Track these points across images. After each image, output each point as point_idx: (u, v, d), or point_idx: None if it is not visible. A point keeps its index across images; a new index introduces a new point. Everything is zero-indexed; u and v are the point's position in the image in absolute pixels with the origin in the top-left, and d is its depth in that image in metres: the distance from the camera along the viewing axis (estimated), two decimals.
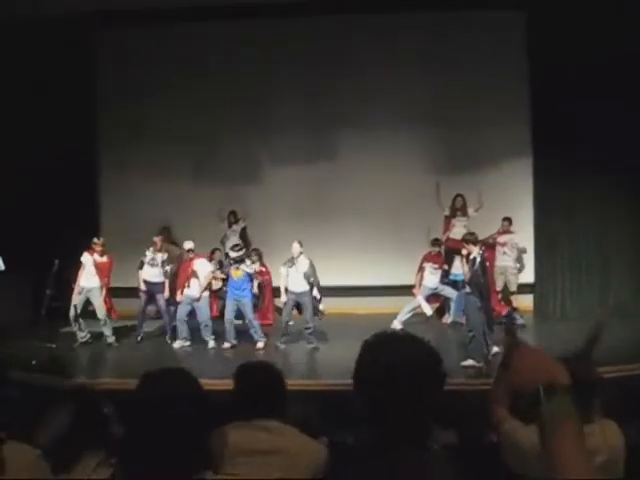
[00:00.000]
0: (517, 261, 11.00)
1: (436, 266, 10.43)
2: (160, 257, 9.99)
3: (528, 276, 11.35)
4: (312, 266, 9.51)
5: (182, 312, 9.69)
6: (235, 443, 2.76)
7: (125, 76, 11.85)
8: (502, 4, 11.09)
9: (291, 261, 9.49)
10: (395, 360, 1.67)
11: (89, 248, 9.76)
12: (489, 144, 11.42)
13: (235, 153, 11.85)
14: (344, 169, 11.73)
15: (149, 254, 9.96)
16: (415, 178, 11.56)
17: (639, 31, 9.95)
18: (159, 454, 1.77)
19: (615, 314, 10.71)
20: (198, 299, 9.64)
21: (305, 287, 9.42)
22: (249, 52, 11.50)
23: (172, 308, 10.05)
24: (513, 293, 10.93)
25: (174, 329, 9.90)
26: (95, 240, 9.81)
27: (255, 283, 10.06)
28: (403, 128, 11.47)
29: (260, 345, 9.53)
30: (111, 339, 9.77)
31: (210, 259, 10.61)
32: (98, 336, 9.86)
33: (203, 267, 9.75)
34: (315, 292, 9.59)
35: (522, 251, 11.09)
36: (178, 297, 9.78)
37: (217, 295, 10.49)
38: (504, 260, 10.89)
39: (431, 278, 10.39)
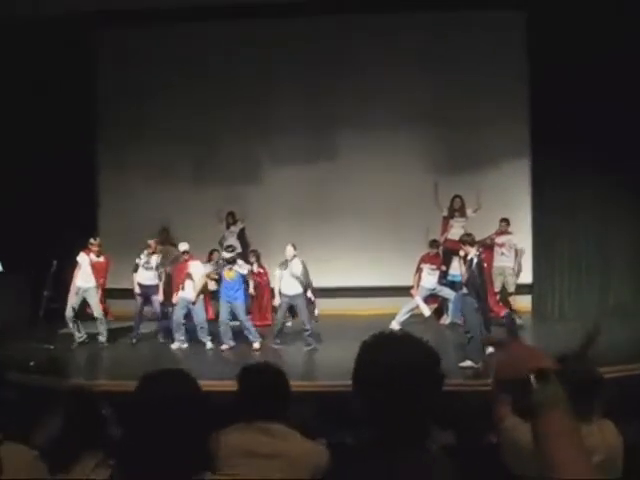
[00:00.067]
0: (515, 262, 10.99)
1: (434, 267, 10.43)
2: (154, 260, 9.98)
3: (526, 277, 11.34)
4: (305, 269, 9.53)
5: (178, 315, 9.68)
6: (236, 445, 2.75)
7: (125, 76, 11.85)
8: (502, 4, 11.09)
9: (285, 264, 9.50)
10: (394, 361, 1.67)
11: (85, 248, 9.76)
12: (488, 144, 11.43)
13: (235, 153, 11.85)
14: (344, 169, 11.72)
15: (143, 257, 9.96)
16: (414, 178, 11.56)
17: (639, 31, 9.95)
18: (157, 455, 1.76)
19: (615, 314, 10.72)
20: (194, 302, 9.63)
21: (298, 290, 9.43)
22: (249, 52, 11.51)
23: (170, 309, 10.03)
24: (511, 294, 10.93)
25: (167, 330, 9.93)
26: (91, 240, 9.81)
27: (252, 284, 10.03)
28: (403, 128, 11.48)
29: (256, 346, 9.52)
30: (103, 338, 9.76)
31: (208, 260, 10.60)
32: (95, 337, 9.85)
33: (198, 269, 9.73)
34: (309, 294, 9.60)
35: (520, 252, 11.07)
36: (174, 299, 9.78)
37: (212, 297, 10.47)
38: (502, 261, 10.89)
39: (429, 279, 10.38)
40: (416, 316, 10.35)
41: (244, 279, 9.81)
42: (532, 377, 1.39)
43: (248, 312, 11.07)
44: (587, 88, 10.52)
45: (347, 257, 11.48)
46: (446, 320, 10.70)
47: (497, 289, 10.81)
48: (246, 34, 11.45)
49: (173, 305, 9.83)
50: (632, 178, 10.69)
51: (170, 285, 10.07)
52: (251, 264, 10.66)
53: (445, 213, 11.15)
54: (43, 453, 2.70)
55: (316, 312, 9.74)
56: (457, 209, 11.06)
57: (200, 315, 9.70)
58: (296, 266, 9.45)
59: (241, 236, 11.71)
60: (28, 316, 10.18)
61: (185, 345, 9.68)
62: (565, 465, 1.32)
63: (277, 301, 9.68)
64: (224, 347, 9.57)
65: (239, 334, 9.85)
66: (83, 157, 11.82)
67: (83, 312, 9.95)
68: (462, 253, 8.88)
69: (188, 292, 9.67)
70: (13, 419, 3.16)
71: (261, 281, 10.67)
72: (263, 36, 11.43)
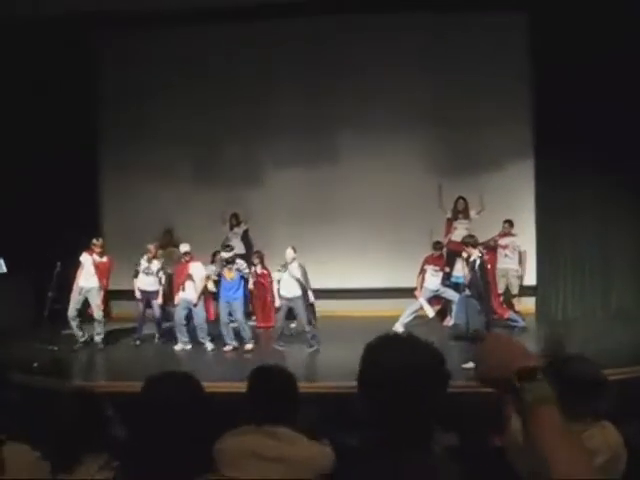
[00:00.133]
0: (519, 264, 10.98)
1: (437, 268, 10.42)
2: (155, 265, 9.99)
3: (530, 278, 11.33)
4: (304, 272, 9.54)
5: (180, 316, 9.69)
6: (242, 448, 2.76)
7: (126, 77, 11.87)
8: (503, 6, 11.07)
9: (284, 266, 9.52)
10: (398, 362, 1.67)
11: (88, 248, 9.78)
12: (491, 146, 11.41)
13: (236, 155, 11.85)
14: (345, 171, 11.72)
15: (143, 262, 9.96)
16: (416, 180, 11.55)
17: None
18: (161, 457, 1.76)
19: (617, 316, 10.71)
20: (195, 304, 9.64)
21: (297, 292, 9.43)
22: (250, 54, 11.50)
23: (172, 309, 10.04)
24: (515, 296, 10.93)
25: (166, 332, 9.96)
26: (94, 241, 9.82)
27: (251, 281, 10.00)
28: (404, 129, 11.47)
29: (249, 347, 9.53)
30: (99, 339, 9.75)
31: (212, 262, 10.61)
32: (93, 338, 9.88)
33: (199, 270, 9.74)
34: (310, 296, 9.61)
35: (523, 254, 11.06)
36: (175, 300, 9.79)
37: (213, 298, 10.47)
38: (506, 263, 10.90)
39: (432, 280, 10.37)
40: (419, 318, 10.34)
41: (244, 279, 9.80)
42: (517, 376, 1.38)
43: (251, 313, 11.13)
44: (589, 88, 10.50)
45: (349, 259, 11.47)
46: (449, 322, 10.69)
47: (501, 291, 10.83)
48: (246, 35, 11.45)
49: (174, 306, 9.83)
50: (636, 180, 10.66)
51: (172, 286, 10.09)
52: (255, 265, 10.67)
53: (449, 215, 11.14)
54: (47, 454, 2.70)
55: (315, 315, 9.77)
56: (461, 211, 11.05)
57: (200, 316, 9.71)
58: (295, 269, 9.47)
59: (245, 238, 11.72)
60: (32, 317, 10.21)
61: (189, 346, 9.68)
62: (559, 462, 1.31)
63: (278, 303, 9.71)
64: (227, 348, 9.57)
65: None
66: (85, 158, 11.84)
67: (84, 313, 9.97)
68: (465, 255, 8.89)
69: (189, 293, 9.67)
70: (16, 420, 3.17)
71: (265, 282, 10.67)
72: (264, 37, 11.43)
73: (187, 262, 9.77)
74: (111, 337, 10.14)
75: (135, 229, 11.24)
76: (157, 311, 10.06)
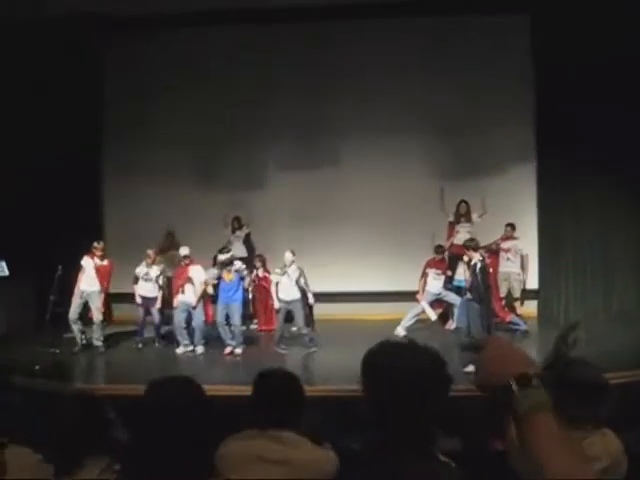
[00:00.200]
0: (521, 267, 10.97)
1: (439, 272, 10.42)
2: (154, 271, 9.99)
3: (532, 281, 11.32)
4: (303, 276, 9.55)
5: (179, 319, 9.68)
6: (247, 452, 2.76)
7: (127, 79, 11.89)
8: (505, 8, 11.07)
9: (282, 269, 9.51)
10: (400, 366, 1.67)
11: (89, 252, 9.79)
12: (493, 149, 11.42)
13: (238, 158, 11.85)
14: (347, 174, 11.73)
15: (143, 268, 9.97)
16: (418, 183, 11.55)
17: None
18: (163, 460, 1.76)
19: (619, 319, 10.70)
20: (194, 307, 9.64)
21: (295, 296, 9.45)
22: (251, 56, 11.52)
23: (171, 313, 10.04)
24: (517, 299, 10.92)
25: (165, 335, 9.98)
26: (95, 244, 9.82)
27: (247, 280, 10.01)
28: (406, 133, 11.47)
29: (239, 351, 9.51)
30: (99, 343, 9.75)
31: (214, 265, 10.61)
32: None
33: (198, 274, 9.73)
34: (310, 298, 9.60)
35: (526, 258, 11.04)
36: (174, 302, 9.78)
37: (212, 301, 10.46)
38: (508, 266, 10.89)
39: (434, 283, 10.37)
40: (421, 321, 10.34)
41: (242, 279, 9.80)
42: (513, 382, 1.38)
43: (252, 316, 11.13)
44: (591, 91, 10.51)
45: (351, 262, 11.47)
46: (451, 325, 10.67)
47: (503, 294, 10.82)
48: (248, 38, 11.48)
49: (173, 308, 9.84)
50: (638, 182, 10.67)
51: (171, 289, 10.10)
52: (256, 269, 10.67)
53: (451, 218, 11.14)
54: (49, 457, 2.70)
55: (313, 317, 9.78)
56: (463, 214, 11.05)
57: (199, 318, 9.71)
58: (293, 272, 9.48)
59: (247, 241, 11.73)
60: (33, 320, 10.21)
61: (190, 347, 9.68)
62: (555, 469, 1.31)
63: (277, 305, 9.73)
64: (227, 350, 9.56)
65: (246, 339, 9.89)
66: (87, 160, 11.83)
67: (85, 316, 9.98)
68: (466, 258, 8.89)
69: (189, 296, 9.67)
70: (18, 423, 3.17)
71: (266, 286, 10.67)
72: (265, 40, 11.45)
73: (187, 265, 9.76)
74: (112, 340, 10.15)
75: (137, 232, 11.25)
76: (156, 317, 10.05)
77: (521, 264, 10.97)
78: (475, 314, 8.41)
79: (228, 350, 9.55)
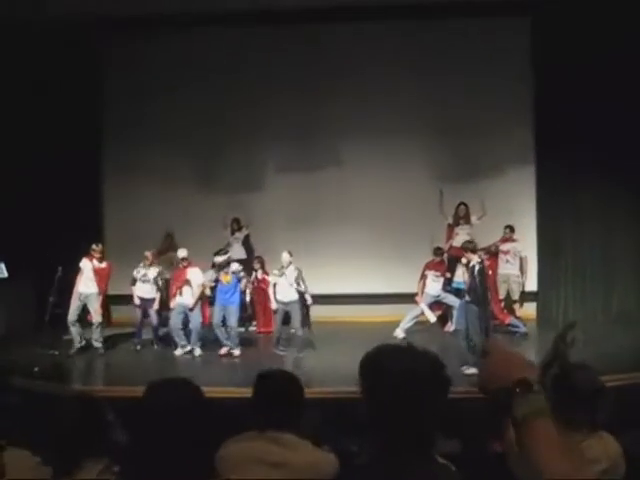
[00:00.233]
0: (520, 270, 10.97)
1: (438, 274, 10.42)
2: (152, 273, 9.98)
3: (531, 284, 11.32)
4: (301, 276, 9.54)
5: (176, 321, 9.67)
6: (246, 453, 2.76)
7: (127, 80, 11.87)
8: (505, 10, 11.08)
9: (280, 270, 9.51)
10: (398, 368, 1.67)
11: (88, 254, 9.79)
12: (492, 151, 11.42)
13: (239, 160, 11.84)
14: (346, 176, 11.72)
15: (141, 270, 9.97)
16: (418, 185, 11.55)
17: None
18: (162, 462, 1.76)
19: (618, 322, 10.70)
20: (192, 308, 9.63)
21: (293, 297, 9.45)
22: (250, 57, 11.52)
23: (169, 315, 10.04)
24: (516, 301, 10.92)
25: (163, 337, 9.96)
26: (94, 246, 9.82)
27: (244, 281, 10.01)
28: (405, 135, 11.47)
29: (236, 353, 9.51)
30: (98, 344, 9.75)
31: (212, 267, 10.60)
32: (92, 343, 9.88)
33: (196, 276, 9.72)
34: (308, 298, 9.60)
35: (525, 260, 11.04)
36: (171, 304, 9.77)
37: (209, 303, 10.45)
38: (507, 268, 10.89)
39: (433, 285, 10.36)
40: (420, 323, 10.34)
41: (239, 281, 9.78)
42: (514, 387, 1.38)
43: (251, 318, 11.13)
44: (592, 92, 10.53)
45: (350, 264, 11.46)
46: (450, 327, 10.67)
47: (502, 296, 10.82)
48: (248, 39, 11.48)
49: (170, 310, 9.82)
50: (637, 184, 10.69)
51: (169, 291, 10.10)
52: (255, 271, 10.68)
53: (450, 221, 11.14)
54: (48, 459, 2.70)
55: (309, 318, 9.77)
56: (462, 216, 11.05)
57: (196, 320, 9.70)
58: (291, 273, 9.47)
59: (246, 243, 11.72)
60: (33, 322, 10.21)
61: (188, 348, 9.67)
62: (554, 474, 1.31)
63: (274, 306, 9.74)
64: (223, 351, 9.56)
65: (245, 341, 9.87)
66: (86, 161, 11.79)
67: (84, 319, 9.98)
68: (464, 260, 8.89)
69: (186, 298, 9.66)
70: (17, 424, 3.17)
71: (265, 288, 10.65)
72: (265, 41, 11.46)
73: (184, 267, 9.76)
74: (111, 342, 10.14)
75: (136, 233, 11.23)
76: (154, 318, 10.04)
77: (520, 266, 10.97)
78: (474, 316, 8.40)
79: (224, 350, 9.54)
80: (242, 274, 9.75)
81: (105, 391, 7.45)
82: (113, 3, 10.33)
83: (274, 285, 9.66)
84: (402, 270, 11.08)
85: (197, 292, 9.67)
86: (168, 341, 9.97)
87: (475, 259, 8.61)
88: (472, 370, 8.14)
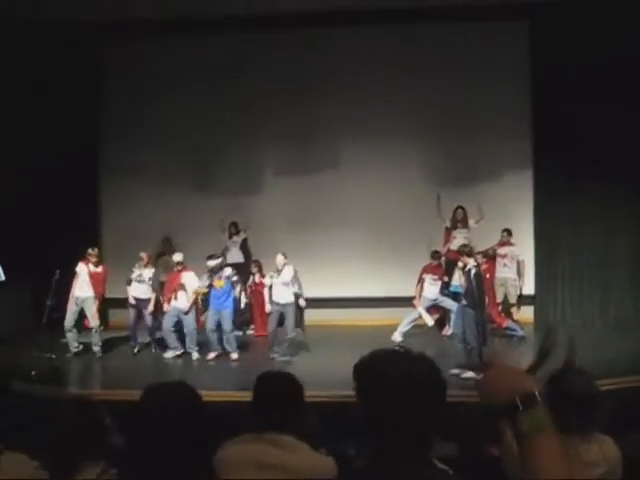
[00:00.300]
0: (518, 273, 10.99)
1: (436, 277, 10.41)
2: (147, 273, 9.98)
3: (528, 287, 11.33)
4: (296, 276, 9.53)
5: (168, 323, 9.66)
6: (244, 456, 2.75)
7: (125, 83, 11.87)
8: (504, 15, 11.10)
9: (276, 272, 9.51)
10: (394, 372, 1.67)
11: (84, 258, 9.78)
12: (490, 155, 11.42)
13: (237, 163, 11.84)
14: (344, 179, 11.73)
15: (136, 270, 9.96)
16: (416, 189, 11.56)
17: None
18: (159, 465, 1.77)
19: (616, 326, 10.71)
20: (186, 312, 9.61)
21: (290, 299, 9.44)
22: (249, 60, 11.52)
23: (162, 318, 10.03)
24: (513, 305, 10.93)
25: (159, 340, 9.94)
26: (90, 250, 9.80)
27: (238, 287, 10.00)
28: (403, 138, 11.48)
29: (235, 356, 9.51)
30: (97, 348, 9.76)
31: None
32: (91, 347, 9.85)
33: (191, 280, 9.71)
34: (302, 302, 9.59)
35: (522, 263, 11.04)
36: (165, 308, 9.76)
37: (204, 307, 10.42)
38: (504, 272, 10.90)
39: (431, 289, 10.36)
40: (418, 327, 10.33)
41: (233, 286, 9.77)
42: (517, 402, 1.38)
43: (248, 322, 11.12)
44: (591, 97, 10.55)
45: (348, 267, 11.45)
46: (448, 331, 10.68)
47: (499, 300, 10.83)
48: (247, 42, 11.49)
49: (164, 313, 9.81)
50: (634, 189, 10.71)
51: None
52: (253, 274, 10.67)
53: (448, 224, 11.15)
54: (45, 463, 2.70)
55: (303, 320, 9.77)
56: (460, 220, 11.06)
57: (190, 324, 9.69)
58: (287, 274, 9.46)
59: (243, 246, 11.71)
60: (30, 325, 10.19)
61: (179, 351, 9.67)
62: (547, 477, 1.32)
63: (268, 308, 9.74)
64: (211, 356, 9.55)
65: (243, 344, 9.86)
66: (86, 164, 11.80)
67: (81, 324, 9.97)
68: (460, 264, 8.90)
69: (181, 302, 9.64)
70: (14, 428, 3.17)
71: (263, 291, 10.65)
72: (264, 43, 11.47)
73: (179, 272, 9.74)
74: (108, 345, 10.11)
75: (134, 236, 11.22)
76: (149, 320, 10.04)
77: (517, 270, 10.99)
78: (470, 320, 8.41)
79: (212, 355, 9.55)
80: (235, 279, 9.72)
81: (102, 395, 7.44)
82: (112, 6, 10.33)
83: (270, 287, 9.65)
84: (399, 273, 11.08)
85: (192, 296, 9.67)
86: (165, 345, 9.95)
87: (471, 263, 8.62)
88: (470, 374, 8.16)
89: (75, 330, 9.74)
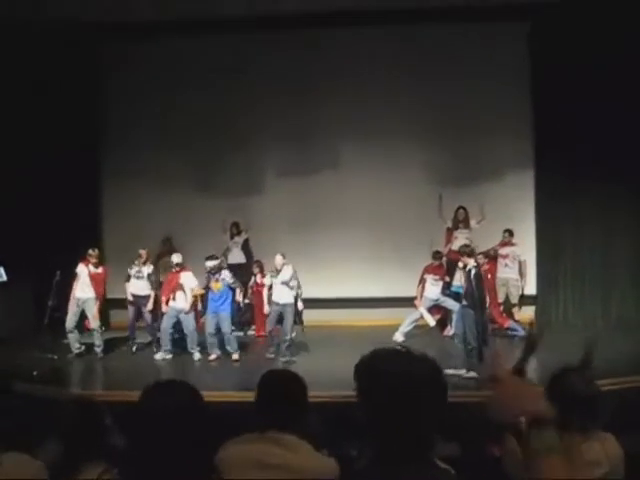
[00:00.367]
0: (519, 273, 10.98)
1: (437, 277, 10.40)
2: (146, 270, 9.99)
3: (530, 287, 11.32)
4: (296, 276, 9.52)
5: (167, 324, 9.65)
6: (246, 455, 2.74)
7: (126, 84, 11.88)
8: (505, 16, 11.09)
9: (275, 273, 9.51)
10: (395, 371, 1.67)
11: (84, 259, 9.79)
12: (492, 155, 11.43)
13: (238, 163, 11.84)
14: (346, 180, 11.73)
15: (135, 267, 9.96)
16: (417, 189, 11.56)
17: None
18: (160, 465, 1.76)
19: (617, 326, 10.70)
20: (187, 312, 9.60)
21: (290, 299, 9.42)
22: (250, 61, 11.53)
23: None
24: (515, 305, 10.92)
25: (159, 341, 9.93)
26: (90, 251, 9.81)
27: (237, 291, 10.00)
28: (405, 139, 11.48)
29: (236, 357, 9.52)
30: (99, 349, 9.77)
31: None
32: (92, 348, 9.85)
33: (189, 280, 9.70)
34: (299, 305, 9.57)
35: (524, 264, 11.04)
36: (163, 308, 9.75)
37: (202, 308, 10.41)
38: (506, 272, 10.90)
39: (432, 289, 10.35)
40: (419, 327, 10.33)
41: (232, 290, 9.77)
42: (526, 422, 1.38)
43: (250, 322, 11.11)
44: (592, 97, 10.55)
45: (349, 267, 11.46)
46: (450, 331, 10.67)
47: (501, 300, 10.82)
48: (247, 43, 11.50)
49: (162, 314, 9.80)
50: (635, 189, 10.70)
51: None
52: (254, 275, 10.67)
53: (449, 224, 11.14)
54: (46, 462, 2.70)
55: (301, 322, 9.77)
56: (461, 220, 11.06)
57: (190, 324, 9.68)
58: (286, 273, 9.44)
59: (245, 247, 11.72)
60: (32, 325, 10.19)
61: (170, 355, 9.65)
62: None
63: (266, 310, 9.72)
64: (212, 357, 9.55)
65: (241, 344, 9.85)
66: (87, 165, 11.81)
67: (82, 325, 9.97)
68: (461, 264, 8.89)
69: (179, 302, 9.63)
70: (17, 428, 3.17)
71: (264, 292, 10.65)
72: (266, 47, 11.47)
73: (177, 272, 9.72)
74: (110, 346, 10.13)
75: (136, 237, 11.19)
76: (148, 318, 10.04)
77: (519, 270, 10.98)
78: (471, 320, 8.40)
79: (212, 357, 9.55)
80: (233, 282, 9.70)
81: (103, 395, 7.44)
82: (112, 6, 10.33)
83: (269, 288, 9.63)
84: (400, 274, 11.08)
85: (190, 296, 9.66)
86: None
87: (471, 263, 8.61)
88: (472, 374, 8.17)
89: (77, 331, 9.75)
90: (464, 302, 8.63)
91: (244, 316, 11.01)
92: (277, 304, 9.47)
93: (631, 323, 10.70)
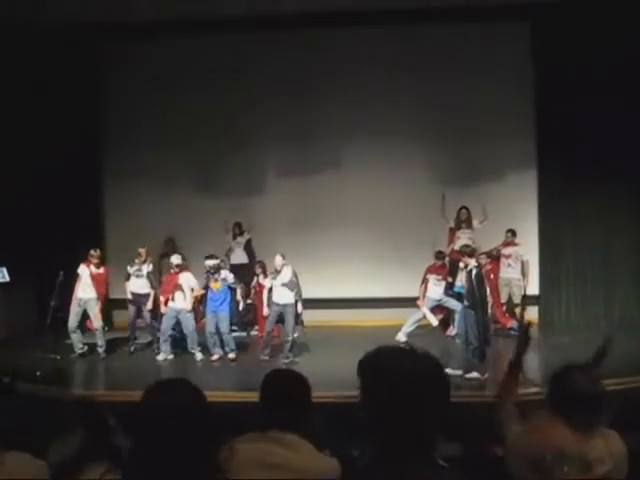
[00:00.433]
0: (522, 273, 10.97)
1: (439, 277, 10.40)
2: (145, 268, 10.00)
3: (533, 287, 11.32)
4: (295, 276, 9.50)
5: (167, 325, 9.64)
6: (248, 455, 2.74)
7: (126, 84, 11.88)
8: (505, 16, 11.09)
9: (275, 274, 9.51)
10: (398, 370, 1.67)
11: (86, 260, 9.80)
12: (494, 155, 11.42)
13: (239, 164, 11.84)
14: (348, 180, 11.73)
15: (135, 265, 9.97)
16: (419, 189, 11.56)
17: None
18: (164, 466, 1.76)
19: (620, 325, 10.68)
20: (187, 311, 9.60)
21: (290, 299, 9.40)
22: (251, 61, 11.53)
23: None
24: (517, 305, 10.92)
25: (159, 339, 9.92)
26: (92, 252, 9.83)
27: (238, 291, 9.96)
28: (407, 139, 11.47)
29: (232, 356, 9.51)
30: (101, 349, 9.78)
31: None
32: (95, 348, 9.86)
33: (189, 281, 9.70)
34: (299, 307, 9.54)
35: (526, 264, 11.03)
36: (162, 309, 9.75)
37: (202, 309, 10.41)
38: (508, 272, 10.90)
39: (435, 289, 10.35)
40: (422, 327, 10.32)
41: (231, 290, 9.74)
42: (549, 457, 1.39)
43: (253, 323, 11.11)
44: (593, 96, 10.55)
45: (351, 268, 11.46)
46: (452, 331, 10.66)
47: (503, 300, 10.81)
48: (249, 45, 11.50)
49: (161, 315, 9.80)
50: (638, 189, 10.69)
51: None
52: (257, 275, 10.66)
53: (452, 224, 11.14)
54: (50, 463, 2.70)
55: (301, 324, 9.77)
56: (464, 220, 11.05)
57: (190, 325, 9.68)
58: (286, 274, 9.44)
59: (247, 247, 11.72)
60: (34, 326, 10.20)
61: (171, 356, 9.65)
62: None
63: (266, 311, 9.71)
64: (215, 357, 9.55)
65: (243, 345, 9.85)
66: (88, 164, 11.81)
67: (84, 325, 9.97)
68: (462, 264, 8.88)
69: (179, 302, 9.62)
70: (19, 428, 3.17)
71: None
72: (266, 47, 11.48)
73: (177, 273, 9.72)
74: (112, 346, 10.13)
75: (138, 238, 11.18)
76: (147, 317, 10.04)
77: (522, 270, 10.98)
78: (473, 320, 8.39)
79: (216, 356, 9.54)
80: (233, 282, 9.70)
81: (106, 395, 7.45)
82: (112, 6, 10.34)
83: (269, 289, 9.62)
84: (402, 274, 11.09)
85: (190, 297, 9.65)
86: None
87: (472, 263, 8.60)
88: (474, 374, 8.16)
89: (79, 331, 9.76)
90: (465, 302, 8.62)
91: (247, 316, 11.02)
92: (277, 304, 9.46)
93: (634, 323, 10.69)
